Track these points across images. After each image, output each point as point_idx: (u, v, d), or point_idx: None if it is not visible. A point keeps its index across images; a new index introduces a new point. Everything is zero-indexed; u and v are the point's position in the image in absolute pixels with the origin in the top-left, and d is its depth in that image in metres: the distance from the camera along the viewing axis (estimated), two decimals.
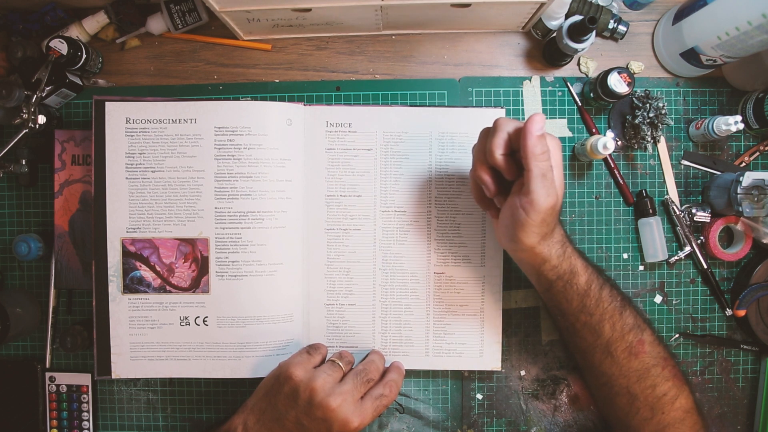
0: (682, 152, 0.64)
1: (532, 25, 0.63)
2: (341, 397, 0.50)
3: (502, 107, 0.61)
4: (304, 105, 0.60)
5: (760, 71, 0.61)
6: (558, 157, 0.48)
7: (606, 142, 0.57)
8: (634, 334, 0.52)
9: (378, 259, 0.61)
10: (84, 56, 0.60)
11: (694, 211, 0.62)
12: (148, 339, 0.59)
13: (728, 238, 0.65)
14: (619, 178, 0.64)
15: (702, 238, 0.63)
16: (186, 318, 0.58)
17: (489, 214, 0.54)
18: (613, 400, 0.54)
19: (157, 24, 0.63)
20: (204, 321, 0.58)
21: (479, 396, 0.65)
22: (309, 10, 0.57)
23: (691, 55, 0.59)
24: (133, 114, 0.58)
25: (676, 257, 0.63)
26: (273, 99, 0.65)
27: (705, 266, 0.63)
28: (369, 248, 0.61)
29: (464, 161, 0.61)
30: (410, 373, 0.64)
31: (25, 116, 0.58)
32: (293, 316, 0.60)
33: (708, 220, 0.62)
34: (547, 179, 0.45)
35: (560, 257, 0.50)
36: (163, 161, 0.58)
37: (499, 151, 0.47)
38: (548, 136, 0.47)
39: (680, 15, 0.60)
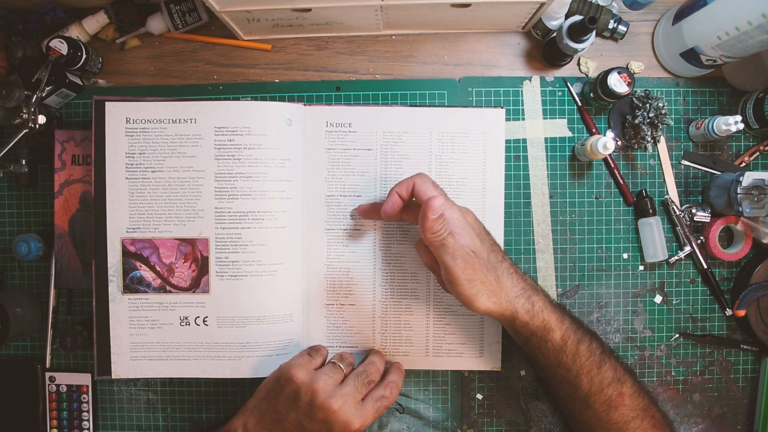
0: (682, 152, 0.64)
1: (532, 25, 0.63)
2: (342, 399, 0.50)
3: (502, 107, 0.61)
4: (304, 105, 0.60)
5: (760, 71, 0.61)
6: (461, 221, 0.51)
7: (606, 142, 0.57)
8: (613, 387, 0.51)
9: (378, 259, 0.61)
10: (84, 56, 0.60)
11: (694, 211, 0.62)
12: (148, 339, 0.59)
13: (728, 238, 0.65)
14: (619, 178, 0.64)
15: (702, 238, 0.63)
16: (186, 318, 0.58)
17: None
18: None
19: (157, 24, 0.63)
20: (204, 321, 0.58)
21: (479, 396, 0.65)
22: (309, 10, 0.57)
23: (691, 55, 0.59)
24: (133, 114, 0.58)
25: (676, 257, 0.63)
26: (273, 99, 0.65)
27: (705, 266, 0.63)
28: (369, 248, 0.61)
29: (464, 161, 0.60)
30: (410, 373, 0.64)
31: (25, 116, 0.58)
32: (293, 316, 0.60)
33: (708, 220, 0.62)
34: (448, 246, 0.49)
35: (529, 312, 0.51)
36: (163, 161, 0.58)
37: (390, 207, 0.53)
38: (448, 208, 0.51)
39: (680, 15, 0.60)
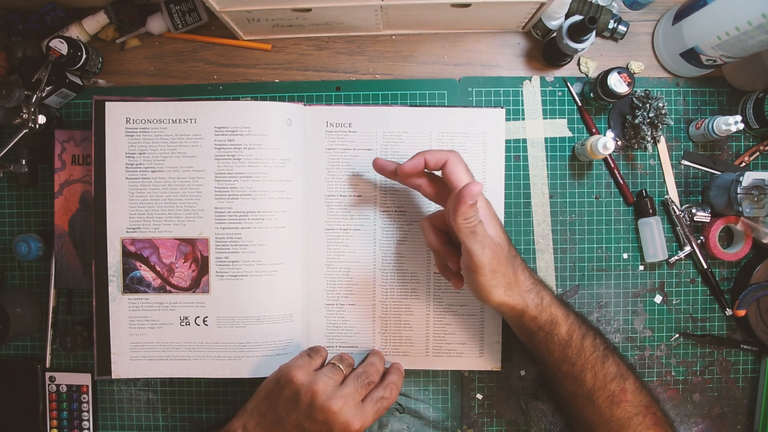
0: (682, 152, 0.64)
1: (532, 25, 0.63)
2: (342, 400, 0.50)
3: (502, 107, 0.61)
4: (304, 105, 0.60)
5: (760, 71, 0.61)
6: (488, 212, 0.51)
7: (606, 142, 0.57)
8: (616, 383, 0.52)
9: (378, 259, 0.61)
10: (84, 56, 0.60)
11: (694, 211, 0.62)
12: (148, 339, 0.59)
13: (728, 238, 0.65)
14: (619, 178, 0.64)
15: (702, 238, 0.63)
16: (186, 318, 0.58)
17: (453, 283, 0.55)
18: None
19: (157, 24, 0.63)
20: (204, 321, 0.58)
21: (479, 396, 0.65)
22: (309, 10, 0.57)
23: (691, 55, 0.59)
24: (133, 114, 0.58)
25: (676, 257, 0.63)
26: (273, 99, 0.65)
27: (705, 266, 0.63)
28: (369, 248, 0.61)
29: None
30: (410, 373, 0.64)
31: (25, 116, 0.58)
32: (293, 316, 0.60)
33: (708, 220, 0.62)
34: (478, 234, 0.48)
35: (538, 307, 0.51)
36: (163, 161, 0.58)
37: (412, 167, 0.51)
38: (479, 198, 0.50)
39: (680, 15, 0.60)
